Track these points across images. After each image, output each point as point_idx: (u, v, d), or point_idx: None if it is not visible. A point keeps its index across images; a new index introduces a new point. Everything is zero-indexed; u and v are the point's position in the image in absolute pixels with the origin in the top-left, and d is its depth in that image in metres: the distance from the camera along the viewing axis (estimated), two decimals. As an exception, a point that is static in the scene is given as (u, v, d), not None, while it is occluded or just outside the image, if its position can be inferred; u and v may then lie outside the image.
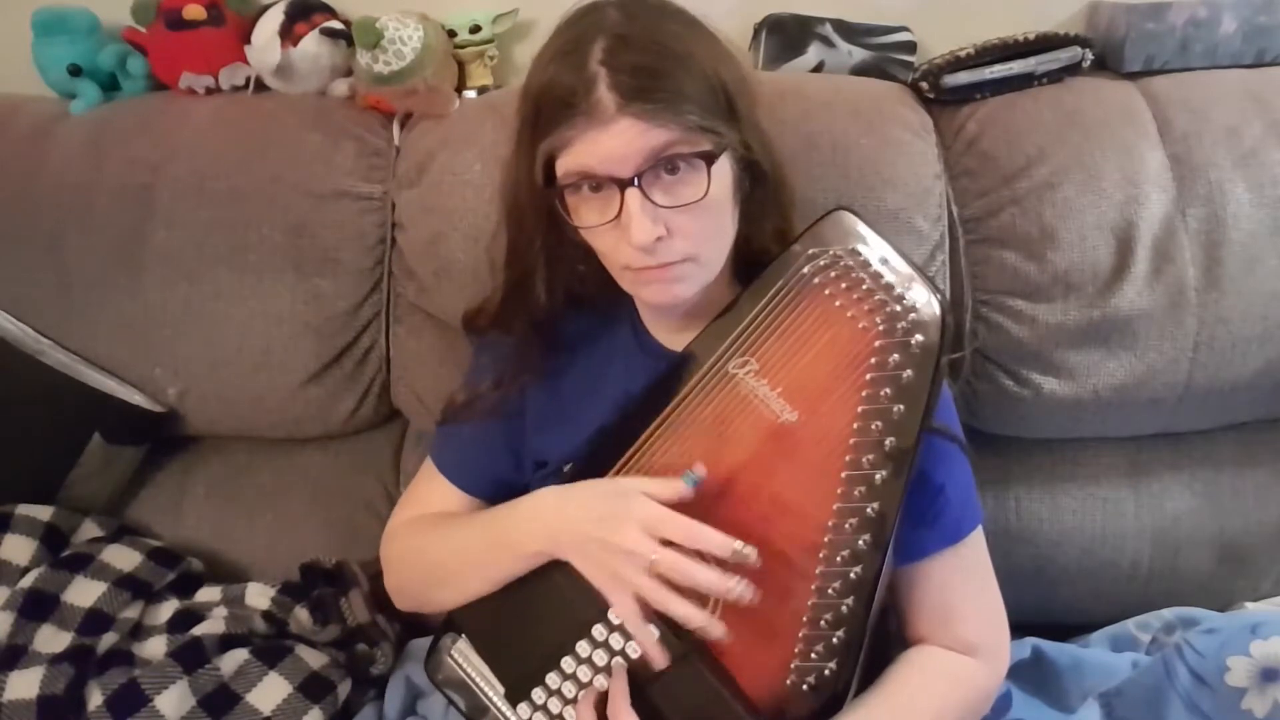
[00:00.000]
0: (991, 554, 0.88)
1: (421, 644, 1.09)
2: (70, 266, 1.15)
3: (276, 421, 1.19)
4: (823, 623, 0.74)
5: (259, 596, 1.10)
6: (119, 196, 1.15)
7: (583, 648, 0.79)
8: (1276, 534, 1.15)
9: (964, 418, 0.99)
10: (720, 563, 0.71)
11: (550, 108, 0.74)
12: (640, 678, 0.77)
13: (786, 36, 1.20)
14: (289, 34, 1.18)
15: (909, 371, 0.73)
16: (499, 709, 0.84)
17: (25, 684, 0.94)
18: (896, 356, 0.74)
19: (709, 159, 0.74)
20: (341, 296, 1.15)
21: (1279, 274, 1.04)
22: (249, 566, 1.20)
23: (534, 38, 1.27)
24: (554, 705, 0.81)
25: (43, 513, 1.11)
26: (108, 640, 1.01)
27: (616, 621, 0.78)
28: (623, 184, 0.73)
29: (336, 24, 1.21)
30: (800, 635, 0.75)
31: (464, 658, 0.86)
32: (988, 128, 1.10)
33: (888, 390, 0.74)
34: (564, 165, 0.75)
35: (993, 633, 0.87)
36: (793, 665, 0.75)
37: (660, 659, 0.75)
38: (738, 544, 0.71)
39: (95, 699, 0.94)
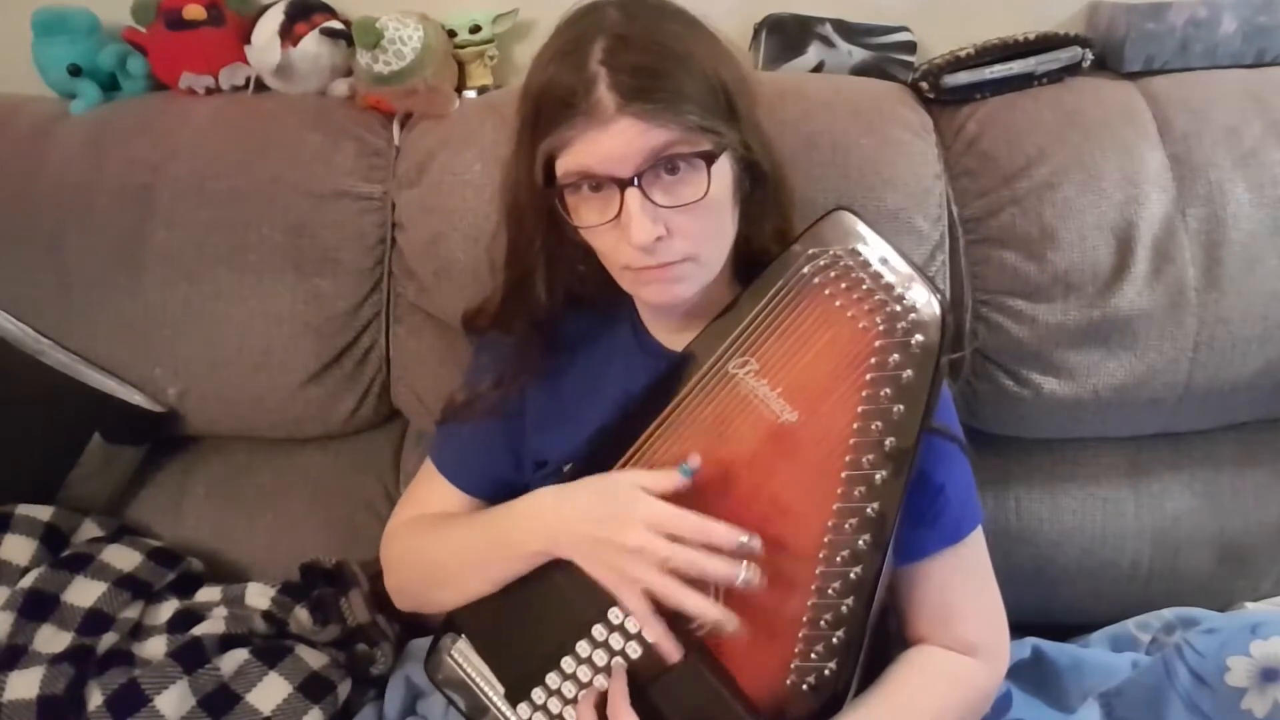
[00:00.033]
0: (991, 554, 0.88)
1: (421, 644, 1.09)
2: (70, 266, 1.15)
3: (276, 421, 1.19)
4: (823, 623, 0.74)
5: (259, 596, 1.10)
6: (119, 196, 1.15)
7: (583, 648, 0.79)
8: (1276, 534, 1.15)
9: (964, 418, 0.99)
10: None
11: (550, 108, 0.74)
12: (640, 678, 0.77)
13: (786, 36, 1.21)
14: (289, 34, 1.18)
15: (909, 371, 0.73)
16: (499, 709, 0.84)
17: (25, 684, 0.94)
18: (896, 356, 0.74)
19: (709, 159, 0.74)
20: (341, 296, 1.15)
21: (1279, 274, 1.04)
22: (249, 566, 1.20)
23: (534, 38, 1.27)
24: (554, 705, 0.81)
25: (43, 513, 1.11)
26: (108, 640, 1.01)
27: (616, 621, 0.78)
28: (623, 184, 0.73)
29: (336, 24, 1.21)
30: (800, 635, 0.75)
31: (464, 658, 0.86)
32: (988, 128, 1.10)
33: (888, 390, 0.74)
34: (564, 165, 0.75)
35: (993, 633, 0.87)
36: (793, 665, 0.75)
37: (674, 652, 0.75)
38: (743, 535, 0.71)
39: (95, 699, 0.94)
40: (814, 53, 1.20)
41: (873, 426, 0.74)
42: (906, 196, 1.07)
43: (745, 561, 0.71)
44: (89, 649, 0.99)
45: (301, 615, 1.08)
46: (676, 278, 0.77)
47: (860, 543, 0.73)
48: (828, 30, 1.20)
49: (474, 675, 0.85)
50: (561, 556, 0.77)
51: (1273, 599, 1.15)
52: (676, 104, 0.71)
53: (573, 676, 0.80)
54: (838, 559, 0.74)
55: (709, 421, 0.78)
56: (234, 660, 0.98)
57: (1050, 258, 1.05)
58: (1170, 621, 1.07)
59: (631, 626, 0.78)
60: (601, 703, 0.78)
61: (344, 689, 1.02)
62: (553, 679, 0.81)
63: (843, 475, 0.74)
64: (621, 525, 0.73)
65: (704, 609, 0.72)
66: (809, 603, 0.74)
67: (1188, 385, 1.07)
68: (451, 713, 0.93)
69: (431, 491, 0.93)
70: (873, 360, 0.74)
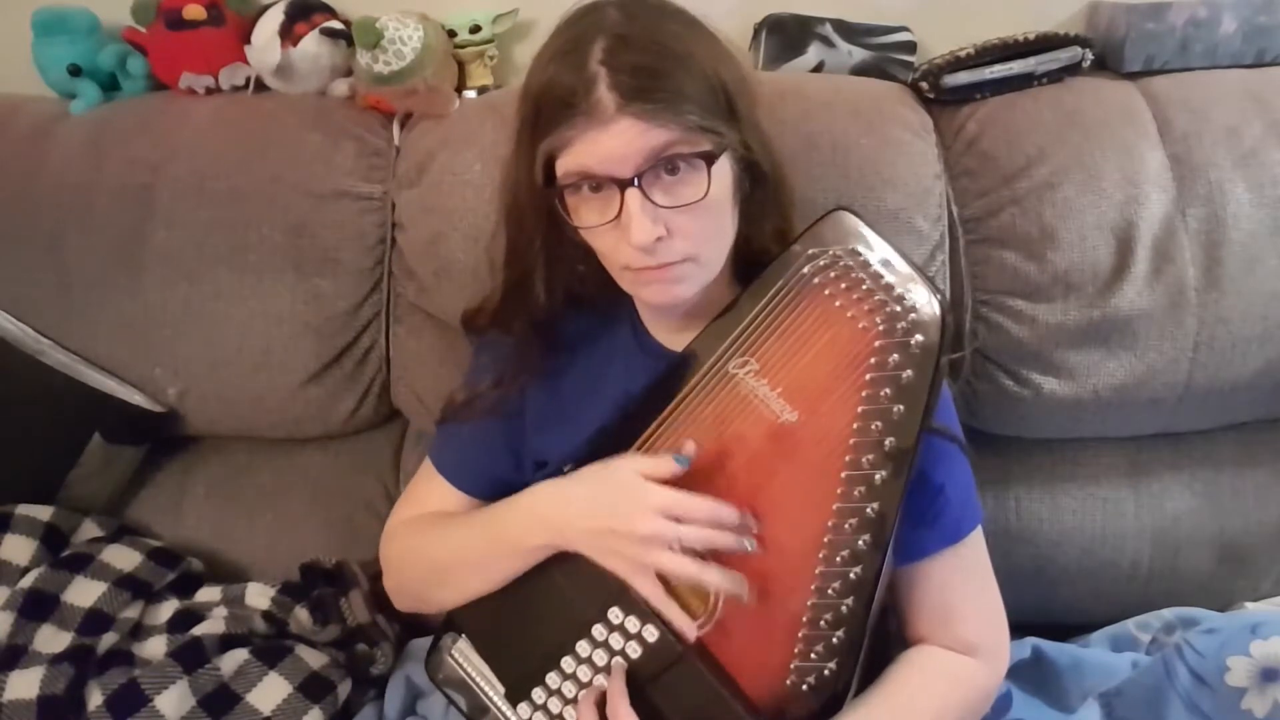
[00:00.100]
0: (991, 554, 0.88)
1: (421, 644, 1.09)
2: (70, 266, 1.15)
3: (276, 421, 1.19)
4: (823, 623, 0.74)
5: (259, 596, 1.11)
6: (119, 196, 1.15)
7: (583, 647, 0.79)
8: (1276, 534, 1.15)
9: (964, 418, 0.99)
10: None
11: (550, 108, 0.74)
12: (640, 678, 0.78)
13: (786, 36, 1.20)
14: (289, 34, 1.18)
15: (909, 371, 0.73)
16: (499, 709, 0.84)
17: (25, 684, 0.94)
18: (896, 356, 0.74)
19: (709, 159, 0.74)
20: (341, 296, 1.15)
21: (1279, 274, 1.04)
22: (249, 566, 1.20)
23: (534, 38, 1.27)
24: (554, 705, 0.81)
25: (43, 513, 1.11)
26: (108, 640, 1.01)
27: (616, 621, 0.78)
28: (623, 184, 0.73)
29: (336, 24, 1.21)
30: (800, 635, 0.75)
31: (464, 657, 0.86)
32: (988, 128, 1.10)
33: (888, 390, 0.74)
34: (564, 165, 0.75)
35: (993, 633, 0.87)
36: (793, 665, 0.75)
37: (690, 630, 0.76)
38: (745, 515, 0.74)
39: (95, 699, 0.94)
40: (814, 53, 1.20)
41: (873, 426, 0.74)
42: (906, 196, 1.07)
43: (747, 534, 0.74)
44: (89, 649, 0.99)
45: (301, 615, 1.08)
46: (676, 278, 0.77)
47: (860, 543, 0.74)
48: (828, 30, 1.20)
49: (474, 675, 0.85)
50: (567, 549, 0.78)
51: (1273, 599, 1.15)
52: (676, 104, 0.71)
53: (573, 676, 0.80)
54: (838, 559, 0.74)
55: (709, 421, 0.78)
56: (234, 660, 0.98)
57: (1050, 258, 1.05)
58: (1170, 621, 1.07)
59: (631, 626, 0.78)
60: (602, 702, 0.78)
61: (344, 689, 1.02)
62: (553, 679, 0.81)
63: (842, 475, 0.74)
64: (631, 514, 0.73)
65: (720, 581, 0.73)
66: (809, 603, 0.74)
67: (1188, 385, 1.07)
68: (451, 713, 0.93)
69: (431, 491, 0.93)
70: (873, 360, 0.74)
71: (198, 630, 1.01)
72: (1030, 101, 1.10)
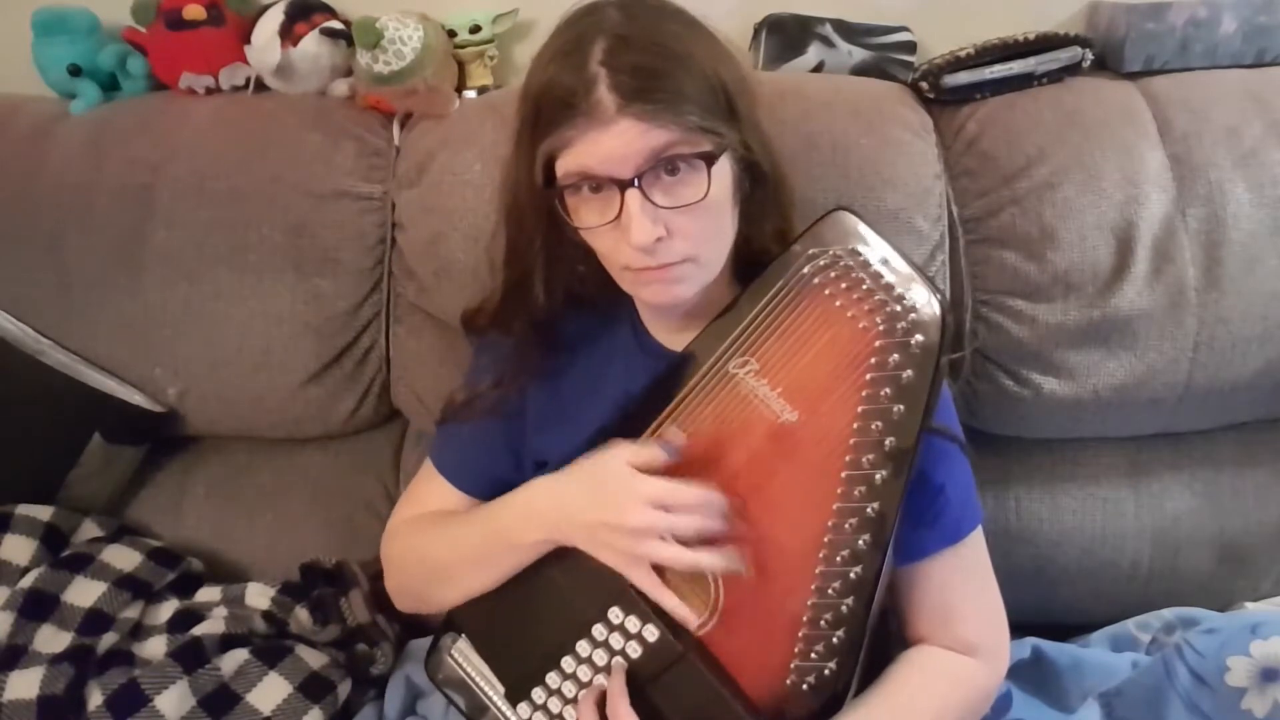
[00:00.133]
0: (991, 554, 0.88)
1: (421, 644, 1.09)
2: (70, 266, 1.15)
3: (276, 421, 1.19)
4: (823, 622, 0.74)
5: (259, 596, 1.10)
6: (119, 196, 1.15)
7: (583, 647, 0.79)
8: (1276, 534, 1.15)
9: (964, 418, 0.99)
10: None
11: (550, 108, 0.74)
12: (640, 677, 0.77)
13: (786, 36, 1.20)
14: (289, 34, 1.18)
15: (909, 371, 0.73)
16: (499, 709, 0.84)
17: (25, 684, 0.94)
18: (896, 356, 0.74)
19: (709, 159, 0.74)
20: (341, 296, 1.15)
21: (1279, 274, 1.04)
22: (249, 566, 1.20)
23: (534, 38, 1.27)
24: (554, 705, 0.81)
25: (43, 513, 1.11)
26: (108, 640, 1.01)
27: (616, 621, 0.78)
28: (623, 185, 0.73)
29: (336, 24, 1.21)
30: (800, 635, 0.75)
31: (464, 657, 0.86)
32: (988, 128, 1.10)
33: (888, 390, 0.74)
34: (564, 166, 0.75)
35: (993, 633, 0.87)
36: (793, 665, 0.75)
37: (691, 618, 0.76)
38: (732, 500, 0.75)
39: (95, 699, 0.94)
40: (814, 53, 1.20)
41: (873, 426, 0.74)
42: (906, 196, 1.07)
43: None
44: (89, 649, 0.99)
45: (301, 615, 1.08)
46: (676, 278, 0.77)
47: (860, 542, 0.74)
48: (828, 30, 1.20)
49: (474, 675, 0.85)
50: (564, 543, 0.78)
51: (1273, 599, 1.15)
52: (677, 104, 0.71)
53: (573, 676, 0.80)
54: (838, 559, 0.74)
55: (709, 421, 0.78)
56: (234, 660, 0.98)
57: (1050, 258, 1.05)
58: (1170, 621, 1.07)
59: (632, 626, 0.78)
60: (602, 702, 0.78)
61: (344, 689, 1.02)
62: (553, 679, 0.81)
63: (843, 475, 0.74)
64: (622, 507, 0.73)
65: (715, 561, 0.74)
66: (809, 602, 0.74)
67: (1188, 385, 1.07)
68: (451, 713, 0.93)
69: (431, 491, 0.93)
70: (873, 360, 0.74)
71: (198, 630, 1.01)
72: (1030, 101, 1.10)
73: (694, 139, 0.73)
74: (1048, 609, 1.15)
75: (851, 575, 0.74)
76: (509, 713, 0.83)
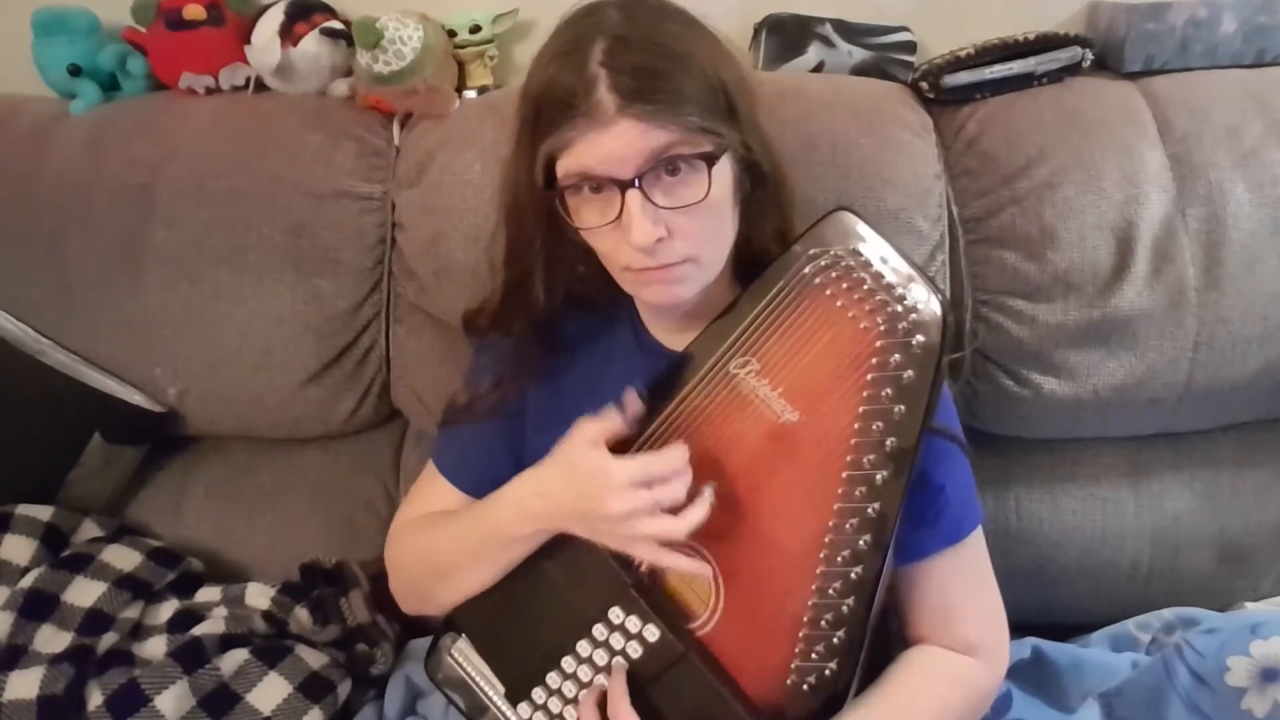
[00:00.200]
0: (991, 554, 0.88)
1: (421, 644, 1.09)
2: (70, 266, 1.15)
3: (276, 421, 1.19)
4: (823, 623, 0.74)
5: (259, 596, 1.11)
6: (119, 196, 1.15)
7: (583, 647, 0.79)
8: (1276, 534, 1.15)
9: (964, 418, 0.99)
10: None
11: (550, 109, 0.74)
12: (640, 677, 0.77)
13: (786, 36, 1.20)
14: (289, 34, 1.18)
15: (910, 372, 0.73)
16: (499, 709, 0.84)
17: (25, 684, 0.94)
18: (898, 357, 0.74)
19: (710, 160, 0.74)
20: (341, 296, 1.15)
21: (1279, 274, 1.04)
22: (249, 566, 1.20)
23: (534, 38, 1.27)
24: (554, 705, 0.81)
25: (43, 513, 1.11)
26: (108, 640, 1.01)
27: (617, 621, 0.78)
28: (623, 185, 0.73)
29: (336, 24, 1.21)
30: (801, 635, 0.75)
31: (464, 657, 0.86)
32: (988, 128, 1.10)
33: (889, 390, 0.74)
34: (564, 166, 0.75)
35: (993, 633, 0.87)
36: (793, 665, 0.75)
37: (704, 569, 0.76)
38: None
39: (95, 699, 0.94)
40: (814, 53, 1.20)
41: (873, 427, 0.74)
42: (906, 196, 1.07)
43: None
44: (89, 649, 0.99)
45: (301, 615, 1.08)
46: (677, 279, 0.77)
47: (861, 543, 0.74)
48: (828, 30, 1.20)
49: (474, 675, 0.85)
50: (559, 531, 0.78)
51: (1273, 599, 1.15)
52: (677, 105, 0.71)
53: (573, 676, 0.80)
54: (838, 559, 0.74)
55: (710, 422, 0.78)
56: (234, 660, 0.98)
57: (1050, 258, 1.05)
58: (1170, 621, 1.07)
59: (632, 626, 0.78)
60: (603, 701, 0.78)
61: (344, 689, 1.02)
62: (553, 678, 0.81)
63: (843, 475, 0.74)
64: (601, 496, 0.73)
65: (700, 512, 0.73)
66: (809, 603, 0.74)
67: (1188, 385, 1.07)
68: (451, 713, 0.93)
69: (433, 493, 0.93)
70: (874, 360, 0.74)
71: (198, 630, 1.01)
72: (1030, 101, 1.10)
73: (694, 139, 0.73)
74: (1048, 609, 1.15)
75: (852, 575, 0.74)
76: (509, 713, 0.83)
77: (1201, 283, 1.05)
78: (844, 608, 0.74)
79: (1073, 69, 1.12)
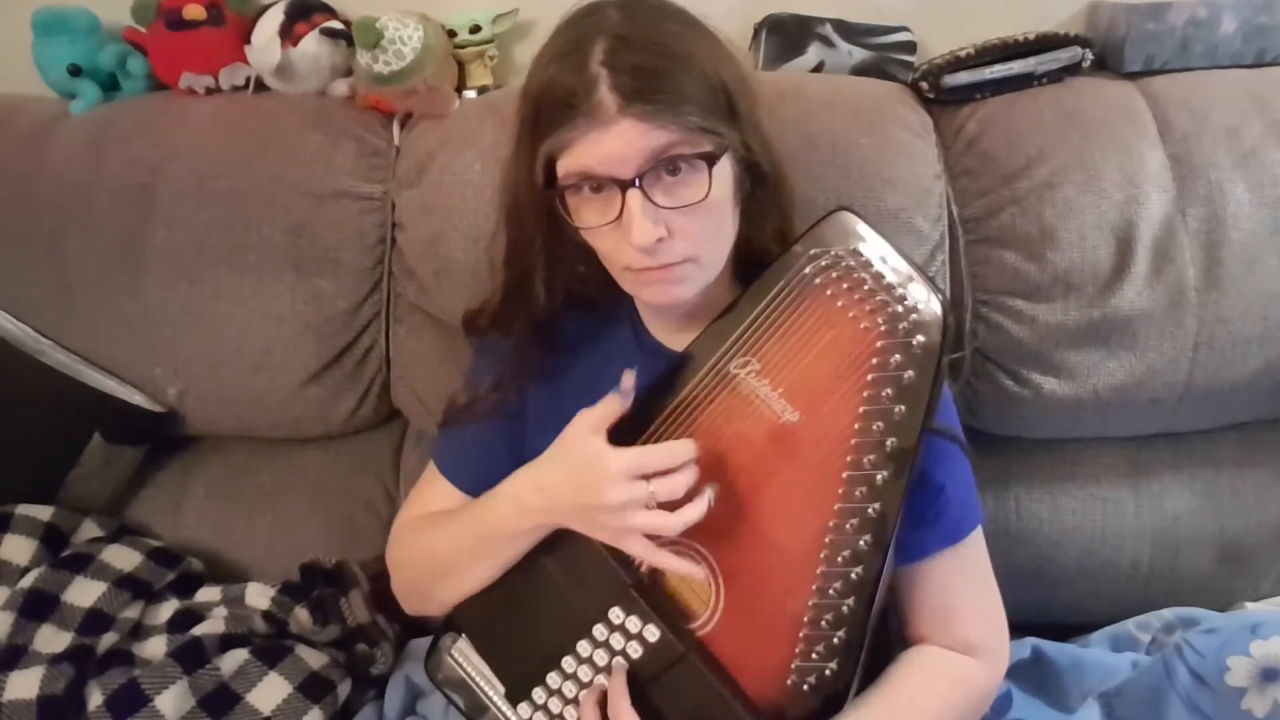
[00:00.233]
0: (991, 554, 0.88)
1: (421, 644, 1.09)
2: (70, 266, 1.15)
3: (276, 421, 1.19)
4: (823, 623, 0.74)
5: (259, 596, 1.10)
6: (119, 196, 1.15)
7: (583, 647, 0.79)
8: (1276, 534, 1.15)
9: (964, 418, 0.99)
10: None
11: (551, 108, 0.74)
12: (641, 678, 0.77)
13: (786, 36, 1.20)
14: (289, 34, 1.18)
15: (910, 372, 0.73)
16: (499, 709, 0.84)
17: (25, 684, 0.94)
18: (898, 357, 0.74)
19: (710, 160, 0.74)
20: (341, 296, 1.15)
21: (1279, 274, 1.04)
22: (249, 566, 1.20)
23: (534, 38, 1.27)
24: (554, 705, 0.81)
25: (43, 513, 1.11)
26: (108, 640, 1.01)
27: (617, 621, 0.78)
28: (624, 185, 0.73)
29: (336, 24, 1.21)
30: (801, 635, 0.75)
31: (464, 657, 0.86)
32: (988, 128, 1.10)
33: (889, 391, 0.74)
34: (565, 166, 0.75)
35: (992, 632, 0.87)
36: (793, 665, 0.75)
37: (698, 572, 0.76)
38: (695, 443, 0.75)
39: (95, 699, 0.94)
40: (814, 53, 1.20)
41: (874, 427, 0.74)
42: (906, 196, 1.07)
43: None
44: (89, 649, 0.99)
45: (301, 615, 1.08)
46: (677, 279, 0.77)
47: (861, 543, 0.74)
48: (828, 30, 1.20)
49: (474, 675, 0.85)
50: (558, 526, 0.78)
51: (1273, 599, 1.15)
52: (677, 105, 0.71)
53: (573, 676, 0.80)
54: (839, 559, 0.74)
55: (710, 421, 0.78)
56: (234, 660, 0.98)
57: (1050, 258, 1.05)
58: (1170, 621, 1.07)
59: (632, 626, 0.78)
60: (604, 702, 0.78)
61: (344, 689, 1.02)
62: (553, 679, 0.81)
63: (844, 475, 0.74)
64: (599, 487, 0.73)
65: (696, 511, 0.73)
66: (810, 603, 0.74)
67: (1188, 385, 1.07)
68: (451, 713, 0.93)
69: (434, 493, 0.93)
70: (874, 360, 0.74)
71: (198, 630, 1.01)
72: (1030, 101, 1.10)
73: (695, 139, 0.73)
74: (1048, 609, 1.15)
75: (852, 576, 0.74)
76: (509, 713, 0.83)
77: (1201, 283, 1.05)
78: (844, 608, 0.74)
79: (1073, 69, 1.12)
